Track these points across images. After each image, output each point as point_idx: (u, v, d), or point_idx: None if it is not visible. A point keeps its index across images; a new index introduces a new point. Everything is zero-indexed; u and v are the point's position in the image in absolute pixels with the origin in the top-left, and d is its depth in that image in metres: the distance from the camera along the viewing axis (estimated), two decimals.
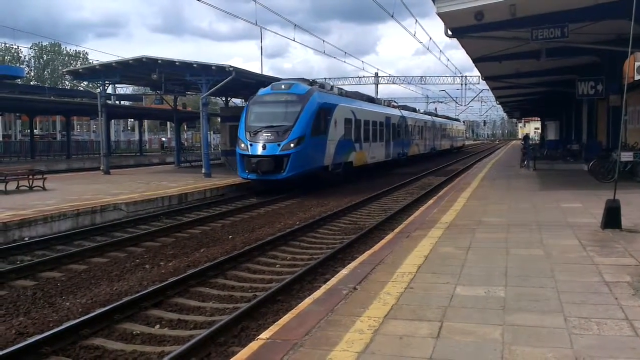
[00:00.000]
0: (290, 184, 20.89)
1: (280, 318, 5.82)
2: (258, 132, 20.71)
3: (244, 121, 21.63)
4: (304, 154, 20.49)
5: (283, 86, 22.35)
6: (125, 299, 7.97)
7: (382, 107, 34.27)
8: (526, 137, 31.30)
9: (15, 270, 9.79)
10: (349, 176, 25.69)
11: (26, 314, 7.75)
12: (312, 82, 24.70)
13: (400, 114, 37.22)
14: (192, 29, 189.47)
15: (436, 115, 58.50)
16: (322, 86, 24.96)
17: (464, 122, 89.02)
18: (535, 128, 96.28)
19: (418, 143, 42.98)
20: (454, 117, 76.27)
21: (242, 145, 20.93)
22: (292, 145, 20.18)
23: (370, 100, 33.26)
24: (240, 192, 21.47)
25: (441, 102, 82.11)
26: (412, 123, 40.47)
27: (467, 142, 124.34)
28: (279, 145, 20.20)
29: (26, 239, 12.41)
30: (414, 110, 46.58)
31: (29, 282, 9.36)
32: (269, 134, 20.57)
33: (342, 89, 28.64)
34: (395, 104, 40.36)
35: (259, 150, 20.35)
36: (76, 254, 11.04)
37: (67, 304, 8.19)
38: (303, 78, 24.50)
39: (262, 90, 22.90)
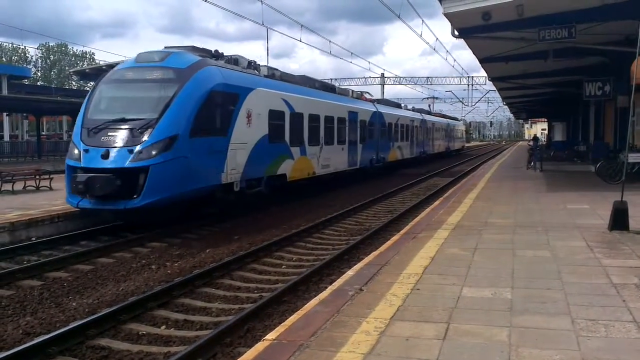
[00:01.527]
0: (151, 216, 13.07)
1: (286, 319, 5.82)
2: (101, 129, 12.77)
3: (82, 113, 13.59)
4: (176, 165, 12.50)
5: (156, 57, 13.98)
6: (131, 299, 8.00)
7: (343, 98, 25.49)
8: (535, 138, 31.18)
9: (22, 270, 9.82)
10: (280, 195, 18.23)
11: (33, 314, 7.78)
12: (214, 54, 16.10)
13: (374, 109, 29.24)
14: (200, 29, 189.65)
15: (428, 113, 50.79)
16: (230, 61, 16.37)
17: (464, 120, 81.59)
18: (542, 129, 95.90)
19: (402, 146, 34.95)
20: (449, 115, 68.73)
21: (75, 151, 12.85)
22: (154, 151, 12.20)
23: (329, 89, 24.92)
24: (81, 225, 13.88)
25: (447, 102, 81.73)
26: (392, 121, 32.48)
27: (472, 144, 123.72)
28: (130, 151, 12.24)
29: (33, 239, 12.45)
30: (398, 106, 39.05)
31: (36, 282, 9.39)
32: (116, 133, 12.64)
33: (276, 69, 19.69)
34: (369, 96, 33.13)
35: (96, 161, 12.34)
36: (82, 255, 11.07)
37: (74, 304, 8.22)
38: (195, 46, 15.76)
39: (122, 64, 15.33)
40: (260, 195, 16.62)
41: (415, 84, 68.90)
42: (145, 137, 12.36)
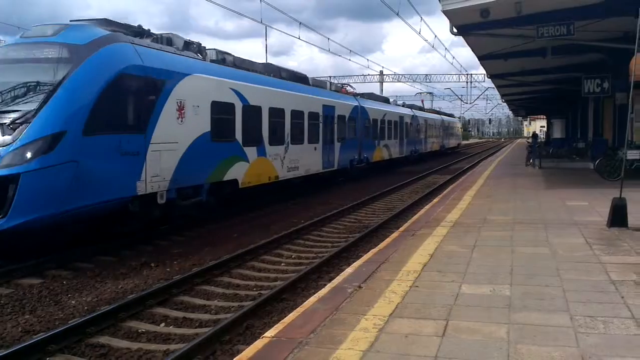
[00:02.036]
0: (25, 240, 10.35)
1: (285, 316, 5.82)
2: None
3: None
4: (61, 173, 9.57)
5: (48, 31, 10.87)
6: (130, 297, 8.00)
7: (317, 90, 22.27)
8: (534, 135, 31.16)
9: (20, 268, 9.80)
10: (229, 204, 15.74)
11: (32, 312, 7.78)
12: (138, 30, 12.78)
13: (355, 104, 26.39)
14: (199, 27, 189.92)
15: (421, 109, 46.98)
16: (158, 39, 13.15)
17: (463, 118, 77.80)
18: (541, 126, 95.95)
19: (389, 144, 32.22)
20: (445, 112, 64.05)
21: None
22: (28, 154, 9.30)
23: (300, 79, 20.97)
24: None
25: (445, 99, 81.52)
26: (377, 117, 29.72)
27: (471, 141, 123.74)
28: None
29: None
30: (386, 101, 36.19)
31: (35, 280, 9.37)
32: None
33: (228, 53, 16.34)
34: (351, 89, 30.22)
35: None
36: (82, 253, 11.05)
37: (73, 302, 8.22)
38: (108, 19, 12.30)
39: (9, 40, 12.75)
40: (201, 207, 13.71)
41: (414, 81, 68.74)
42: (17, 135, 9.33)
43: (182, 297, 8.38)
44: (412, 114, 39.39)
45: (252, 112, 15.97)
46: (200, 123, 13.36)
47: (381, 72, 65.47)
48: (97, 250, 11.14)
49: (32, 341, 6.29)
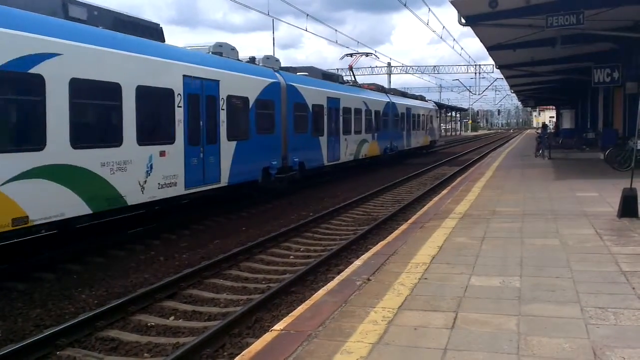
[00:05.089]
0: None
1: (294, 309, 5.82)
2: None
3: None
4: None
5: None
6: (140, 291, 8.03)
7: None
8: (544, 126, 30.98)
9: (32, 262, 9.85)
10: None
11: (43, 306, 7.82)
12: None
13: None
14: (207, 20, 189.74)
15: (357, 85, 29.29)
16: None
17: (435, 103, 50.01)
18: (550, 117, 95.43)
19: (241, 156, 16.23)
20: (411, 94, 43.00)
21: None
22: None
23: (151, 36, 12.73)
24: None
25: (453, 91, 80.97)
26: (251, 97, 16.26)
27: (480, 132, 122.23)
28: None
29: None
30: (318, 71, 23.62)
31: (47, 274, 9.41)
32: None
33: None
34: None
35: None
36: (94, 247, 11.10)
37: (83, 296, 8.26)
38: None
39: None
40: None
41: (422, 72, 68.48)
42: None
43: (191, 290, 8.40)
44: (347, 92, 24.60)
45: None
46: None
47: (389, 64, 65.27)
48: (107, 244, 11.19)
49: (43, 335, 6.34)
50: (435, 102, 50.50)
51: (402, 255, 7.68)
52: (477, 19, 16.33)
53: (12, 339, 6.61)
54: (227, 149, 14.59)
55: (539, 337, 4.60)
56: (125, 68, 11.09)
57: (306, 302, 5.86)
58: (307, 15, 31.16)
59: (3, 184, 8.45)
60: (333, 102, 22.22)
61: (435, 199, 13.93)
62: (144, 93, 11.54)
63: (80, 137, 9.92)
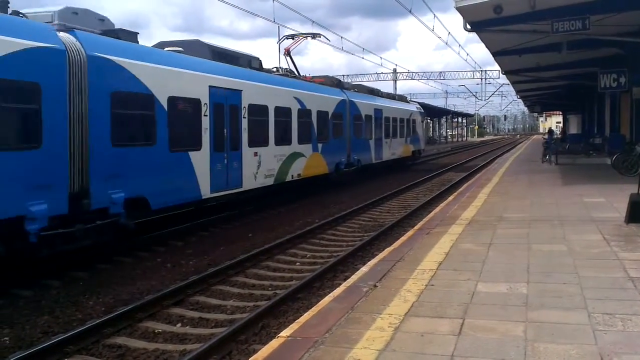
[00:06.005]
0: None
1: (300, 316, 5.82)
2: None
3: None
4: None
5: None
6: (147, 298, 8.05)
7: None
8: (550, 131, 30.88)
9: (39, 270, 9.89)
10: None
11: (50, 313, 7.85)
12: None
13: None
14: (213, 28, 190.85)
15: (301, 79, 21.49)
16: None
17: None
18: (557, 122, 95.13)
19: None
20: (393, 94, 36.95)
21: None
22: None
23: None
24: None
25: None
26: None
27: (487, 138, 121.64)
28: None
29: None
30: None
31: (54, 281, 9.45)
32: None
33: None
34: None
35: None
36: (102, 254, 11.13)
37: (91, 302, 8.29)
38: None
39: None
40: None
41: (428, 79, 68.42)
42: None
43: (198, 297, 8.42)
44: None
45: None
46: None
47: (394, 70, 65.28)
48: (114, 251, 11.22)
49: (50, 342, 6.36)
50: (440, 107, 49.54)
51: (408, 261, 7.67)
52: (482, 24, 16.34)
53: (20, 346, 6.64)
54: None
55: (546, 344, 4.58)
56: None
57: (313, 308, 5.86)
58: (313, 22, 31.31)
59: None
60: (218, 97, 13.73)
61: (442, 205, 13.91)
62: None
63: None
